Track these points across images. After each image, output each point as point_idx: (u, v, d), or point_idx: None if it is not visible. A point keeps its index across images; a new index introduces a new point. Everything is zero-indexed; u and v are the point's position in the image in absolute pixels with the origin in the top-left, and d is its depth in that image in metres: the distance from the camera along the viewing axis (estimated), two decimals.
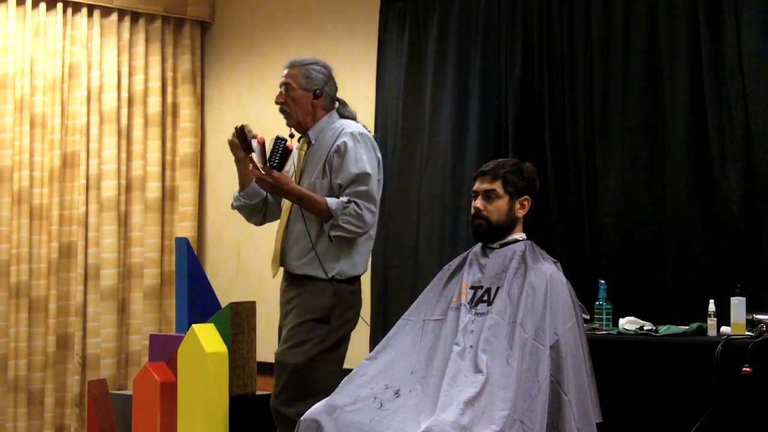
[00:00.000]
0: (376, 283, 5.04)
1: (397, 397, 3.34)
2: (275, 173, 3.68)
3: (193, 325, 3.74)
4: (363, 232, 3.72)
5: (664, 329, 3.80)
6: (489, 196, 3.53)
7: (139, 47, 6.08)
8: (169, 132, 6.17)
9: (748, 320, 3.64)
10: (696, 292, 3.99)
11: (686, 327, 3.83)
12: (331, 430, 3.27)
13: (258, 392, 4.08)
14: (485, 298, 3.42)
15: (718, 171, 4.01)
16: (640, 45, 4.27)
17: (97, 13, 5.96)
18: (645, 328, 3.88)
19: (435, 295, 3.57)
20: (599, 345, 3.62)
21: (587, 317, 3.59)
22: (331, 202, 3.67)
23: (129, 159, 6.03)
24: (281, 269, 3.88)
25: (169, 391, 3.78)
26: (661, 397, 3.66)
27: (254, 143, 3.76)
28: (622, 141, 4.29)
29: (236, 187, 6.03)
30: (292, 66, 3.89)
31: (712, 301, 3.77)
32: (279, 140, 3.73)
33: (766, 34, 3.93)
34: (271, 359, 5.62)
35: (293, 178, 3.82)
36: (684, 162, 4.11)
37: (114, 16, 6.00)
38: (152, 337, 4.19)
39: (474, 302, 3.43)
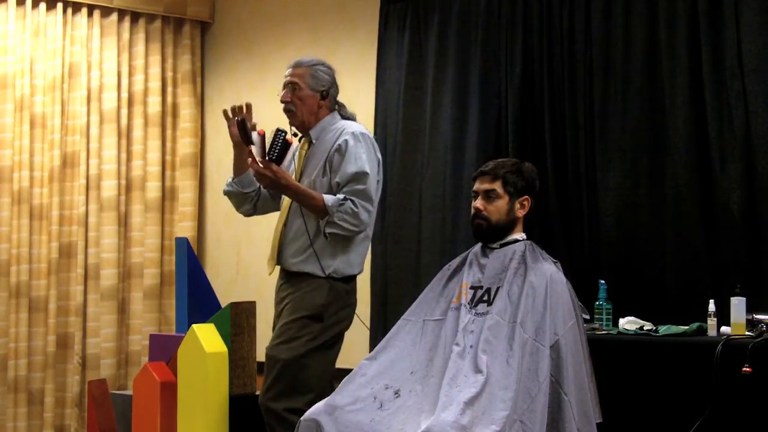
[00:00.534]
0: (377, 283, 5.03)
1: (397, 397, 3.34)
2: (273, 167, 3.68)
3: (193, 325, 3.74)
4: (358, 230, 3.72)
5: (664, 329, 3.80)
6: (489, 196, 3.53)
7: (139, 47, 6.08)
8: (169, 132, 6.17)
9: (748, 320, 3.64)
10: (696, 292, 3.99)
11: (686, 327, 3.83)
12: (331, 430, 3.27)
13: (258, 392, 4.07)
14: (485, 298, 3.42)
15: (718, 171, 4.01)
16: (640, 45, 4.27)
17: (97, 13, 5.96)
18: (645, 328, 3.88)
19: (435, 295, 3.57)
20: (599, 345, 3.62)
21: (587, 317, 3.59)
22: (328, 198, 3.67)
23: (129, 159, 6.03)
24: (277, 267, 3.87)
25: (169, 391, 3.78)
26: (661, 397, 3.66)
27: (254, 136, 3.76)
28: (622, 141, 4.29)
29: None
30: (297, 65, 3.90)
31: (712, 301, 3.77)
32: (279, 132, 3.73)
33: (766, 34, 3.93)
34: None
35: (293, 175, 3.82)
36: (684, 162, 4.11)
37: (114, 16, 6.00)
38: (152, 337, 4.19)
39: (474, 302, 3.43)
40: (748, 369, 3.37)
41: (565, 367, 3.25)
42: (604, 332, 3.96)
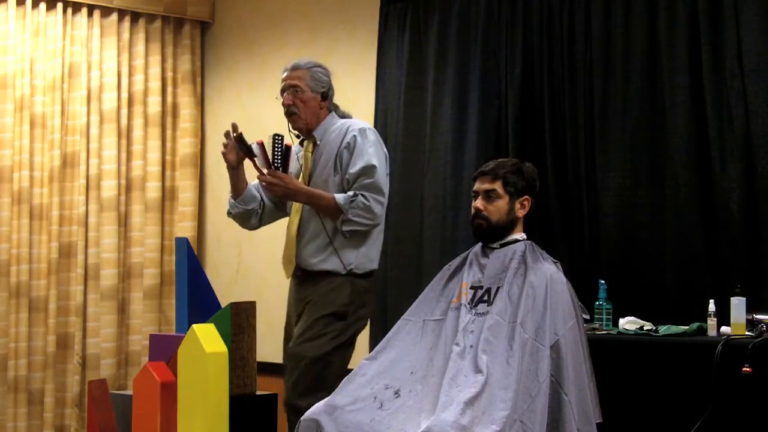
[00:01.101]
0: (377, 283, 5.02)
1: (397, 397, 3.34)
2: (280, 175, 3.73)
3: (193, 325, 3.74)
4: (374, 223, 3.79)
5: (664, 329, 3.80)
6: (489, 196, 3.53)
7: (139, 47, 6.08)
8: (169, 132, 6.17)
9: (748, 320, 3.64)
10: (696, 292, 3.99)
11: (686, 327, 3.83)
12: (331, 430, 3.27)
13: (258, 392, 4.07)
14: (485, 298, 3.42)
15: (718, 171, 4.01)
16: (640, 45, 4.27)
17: (97, 13, 5.96)
18: (645, 328, 3.88)
19: (435, 295, 3.57)
20: (599, 345, 3.62)
21: (587, 317, 3.59)
22: (339, 197, 3.73)
23: (129, 159, 6.03)
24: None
25: (169, 391, 3.78)
26: (661, 397, 3.66)
27: (254, 147, 3.78)
28: (622, 141, 4.30)
29: None
30: (295, 68, 3.93)
31: (712, 301, 3.77)
32: (277, 138, 3.76)
33: (766, 34, 3.93)
34: (271, 359, 5.65)
35: (300, 178, 3.84)
36: (684, 162, 4.11)
37: (114, 16, 6.00)
38: (152, 337, 4.19)
39: (474, 302, 3.43)
40: (748, 369, 3.37)
41: (565, 367, 3.25)
42: (604, 332, 3.96)
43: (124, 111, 6.00)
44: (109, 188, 5.91)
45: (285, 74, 3.94)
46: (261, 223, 4.09)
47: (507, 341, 3.28)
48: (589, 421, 3.27)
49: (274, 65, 5.92)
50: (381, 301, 5.01)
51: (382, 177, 3.78)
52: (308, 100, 3.88)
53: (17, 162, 5.72)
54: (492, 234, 3.53)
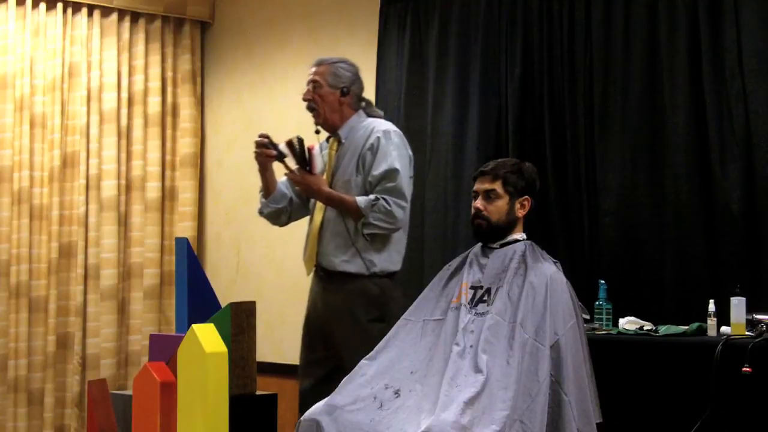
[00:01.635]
0: None
1: (397, 397, 3.34)
2: (305, 176, 3.78)
3: (193, 325, 3.74)
4: (395, 227, 3.80)
5: (664, 329, 3.80)
6: (489, 196, 3.53)
7: (139, 47, 6.08)
8: (169, 132, 6.17)
9: (748, 320, 3.64)
10: (696, 292, 3.99)
11: (686, 327, 3.83)
12: (331, 430, 3.26)
13: (258, 392, 4.07)
14: (485, 298, 3.42)
15: (718, 171, 4.01)
16: (640, 45, 4.28)
17: (97, 13, 5.96)
18: (645, 328, 3.88)
19: (435, 295, 3.56)
20: (599, 345, 3.61)
21: (587, 317, 3.59)
22: (360, 200, 3.75)
23: (129, 159, 6.03)
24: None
25: (169, 391, 3.77)
26: (661, 397, 3.66)
27: (282, 147, 3.83)
28: (622, 141, 4.30)
29: (236, 187, 6.08)
30: (319, 64, 3.95)
31: (712, 301, 3.77)
32: (299, 141, 3.82)
33: (766, 34, 3.93)
34: (271, 359, 5.65)
35: (324, 176, 3.87)
36: (684, 162, 4.11)
37: (114, 16, 6.00)
38: (152, 337, 4.18)
39: (474, 302, 3.43)
40: (748, 369, 3.37)
41: (565, 367, 3.25)
42: (604, 332, 3.96)
43: (124, 111, 6.00)
44: (109, 188, 5.91)
45: (311, 69, 3.96)
46: (290, 219, 4.11)
47: (507, 341, 3.28)
48: (589, 421, 3.27)
49: (274, 65, 5.92)
50: None
51: (405, 180, 3.80)
52: (326, 96, 3.89)
53: (17, 162, 5.72)
54: (492, 234, 3.53)
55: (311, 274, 3.99)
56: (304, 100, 3.92)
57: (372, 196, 3.75)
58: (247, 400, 3.91)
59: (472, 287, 3.48)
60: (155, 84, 6.11)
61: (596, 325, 4.00)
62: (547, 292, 3.34)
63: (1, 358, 5.65)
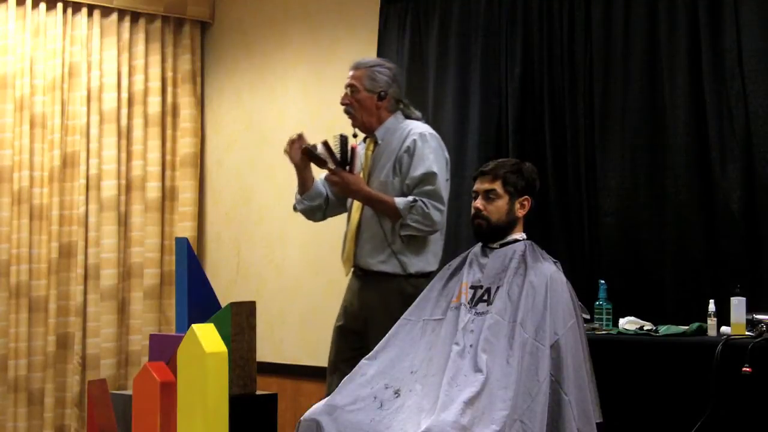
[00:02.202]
0: None
1: (397, 396, 3.34)
2: (343, 174, 3.78)
3: (193, 325, 3.74)
4: (432, 230, 3.81)
5: (664, 329, 3.80)
6: (489, 196, 3.53)
7: (139, 47, 6.08)
8: (169, 132, 6.17)
9: (748, 320, 3.64)
10: (696, 292, 3.99)
11: (686, 327, 3.83)
12: (331, 430, 3.27)
13: (258, 392, 4.07)
14: (485, 297, 3.42)
15: (718, 171, 4.01)
16: (640, 45, 4.28)
17: (97, 13, 5.96)
18: (645, 328, 3.88)
19: (435, 294, 3.57)
20: (599, 345, 3.62)
21: (587, 317, 3.59)
22: (399, 201, 3.76)
23: (129, 159, 6.02)
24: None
25: (169, 391, 3.77)
26: (661, 397, 3.66)
27: (319, 147, 3.83)
28: (622, 141, 4.30)
29: (236, 187, 6.08)
30: (357, 67, 3.95)
31: (712, 301, 3.77)
32: (342, 138, 3.83)
33: (766, 34, 3.93)
34: (271, 359, 5.65)
35: (361, 176, 3.88)
36: (684, 162, 4.11)
37: (114, 16, 6.00)
38: (152, 337, 4.18)
39: (474, 302, 3.43)
40: (748, 369, 3.37)
41: (565, 366, 3.25)
42: (604, 332, 3.96)
43: (124, 111, 6.00)
44: (109, 188, 5.91)
45: (349, 72, 3.96)
46: (326, 216, 4.12)
47: (507, 341, 3.28)
48: (589, 421, 3.27)
49: (274, 65, 5.92)
50: None
51: (442, 184, 3.82)
52: (363, 100, 3.90)
53: (17, 162, 5.72)
54: (492, 234, 3.53)
55: (349, 274, 4.01)
56: (342, 104, 3.94)
57: (410, 198, 3.77)
58: (247, 400, 3.91)
59: (472, 287, 3.48)
60: (155, 84, 6.11)
61: (596, 325, 4.00)
62: (547, 292, 3.34)
63: (1, 358, 5.65)
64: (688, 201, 4.09)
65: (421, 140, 3.83)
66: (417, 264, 3.83)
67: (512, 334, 3.28)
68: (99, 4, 5.92)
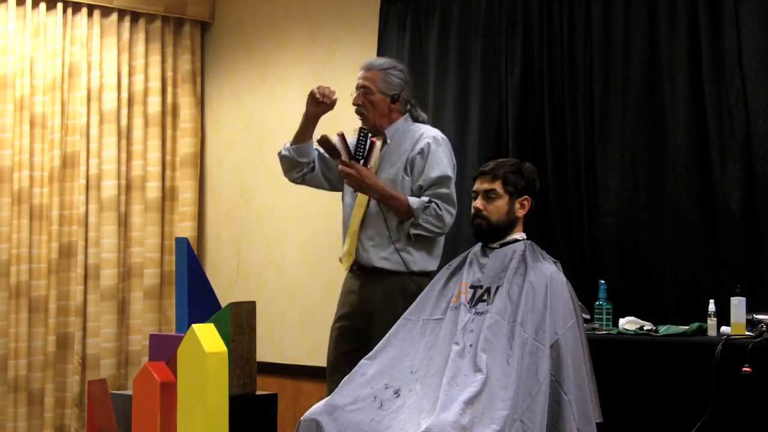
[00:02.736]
0: None
1: (397, 396, 3.34)
2: (358, 167, 3.80)
3: (193, 325, 3.74)
4: (441, 232, 3.86)
5: (664, 329, 3.80)
6: (489, 196, 3.53)
7: (139, 47, 6.07)
8: (169, 132, 6.17)
9: (748, 320, 3.64)
10: (696, 292, 3.99)
11: (686, 327, 3.83)
12: (331, 430, 3.27)
13: (258, 392, 4.07)
14: (485, 297, 3.42)
15: (718, 171, 4.01)
16: (640, 45, 4.28)
17: (97, 13, 5.95)
18: (645, 328, 3.88)
19: (435, 294, 3.57)
20: (599, 345, 3.62)
21: (587, 317, 3.59)
22: (413, 201, 3.80)
23: (129, 159, 6.02)
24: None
25: (169, 391, 3.77)
26: (661, 397, 3.66)
27: (335, 139, 3.84)
28: (622, 141, 4.30)
29: (236, 187, 6.08)
30: (369, 68, 3.98)
31: (712, 301, 3.77)
32: (363, 132, 3.84)
33: (766, 34, 3.93)
34: (271, 359, 5.65)
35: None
36: (684, 162, 4.11)
37: (114, 16, 5.99)
38: (152, 337, 4.18)
39: (474, 302, 3.43)
40: (748, 369, 3.37)
41: (565, 366, 3.25)
42: (604, 332, 3.96)
43: (124, 111, 6.00)
44: (109, 188, 5.91)
45: (360, 73, 3.98)
46: (303, 181, 4.11)
47: (507, 340, 3.28)
48: (589, 421, 3.27)
49: (274, 65, 5.92)
50: None
51: (454, 188, 3.88)
52: (377, 102, 3.93)
53: (17, 162, 5.72)
54: (492, 234, 3.54)
55: (346, 273, 4.01)
56: (354, 104, 3.96)
57: (425, 199, 3.81)
58: (247, 400, 3.91)
59: (471, 287, 3.48)
60: (155, 84, 6.10)
61: (596, 325, 4.00)
62: (547, 292, 3.34)
63: (1, 358, 5.65)
64: (688, 201, 4.09)
65: (435, 144, 3.89)
66: (419, 262, 3.85)
67: (512, 334, 3.28)
68: (99, 4, 5.92)
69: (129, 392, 4.22)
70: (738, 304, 3.65)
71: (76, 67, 5.88)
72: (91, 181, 5.87)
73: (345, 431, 3.26)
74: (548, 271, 3.41)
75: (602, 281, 4.10)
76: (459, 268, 3.59)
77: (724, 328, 3.71)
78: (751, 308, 3.66)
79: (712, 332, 3.74)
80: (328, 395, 3.75)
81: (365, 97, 3.93)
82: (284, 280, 5.76)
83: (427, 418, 3.19)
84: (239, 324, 3.96)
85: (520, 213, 3.55)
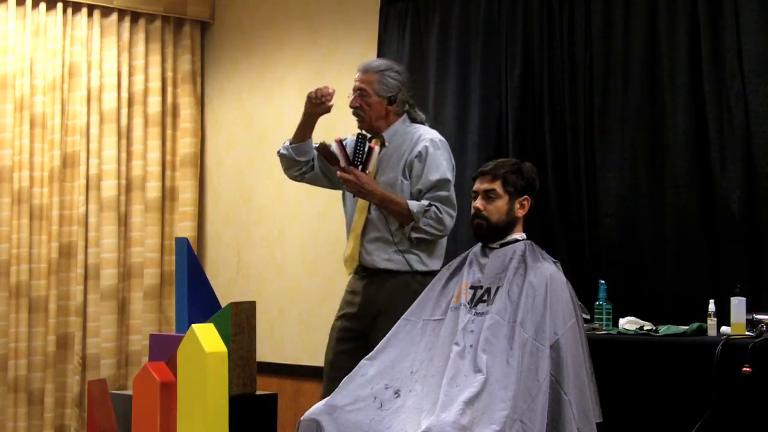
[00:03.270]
0: None
1: (397, 397, 3.34)
2: (357, 173, 3.79)
3: (193, 325, 3.74)
4: (442, 235, 3.87)
5: (664, 329, 3.80)
6: (489, 196, 3.53)
7: (139, 47, 6.08)
8: (169, 132, 6.17)
9: (748, 320, 3.64)
10: (696, 292, 3.99)
11: (686, 327, 3.83)
12: (332, 430, 3.27)
13: (258, 392, 4.07)
14: (485, 298, 3.42)
15: (718, 171, 4.01)
16: (640, 45, 4.27)
17: (97, 13, 5.96)
18: (645, 328, 3.88)
19: (435, 295, 3.57)
20: (599, 345, 3.62)
21: (587, 317, 3.59)
22: (413, 205, 3.80)
23: (129, 159, 6.02)
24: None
25: (169, 391, 3.77)
26: (661, 397, 3.66)
27: (333, 145, 3.84)
28: (622, 141, 4.30)
29: (236, 187, 6.08)
30: (366, 71, 3.97)
31: (712, 301, 3.77)
32: (361, 138, 3.84)
33: (766, 34, 3.93)
34: (271, 359, 5.66)
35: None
36: (684, 162, 4.11)
37: (114, 16, 6.00)
38: (152, 337, 4.19)
39: (474, 302, 3.43)
40: (748, 369, 3.37)
41: (565, 366, 3.25)
42: (604, 332, 3.96)
43: (124, 111, 6.00)
44: (109, 188, 5.91)
45: (356, 75, 3.98)
46: (302, 179, 4.12)
47: (507, 341, 3.28)
48: (589, 421, 3.27)
49: (274, 65, 5.92)
50: None
51: (453, 190, 3.88)
52: (374, 105, 3.93)
53: (17, 162, 5.72)
54: (492, 234, 3.53)
55: (350, 275, 4.02)
56: (351, 107, 3.95)
57: (425, 202, 3.81)
58: (247, 400, 3.92)
59: (471, 287, 3.48)
60: (155, 84, 6.11)
61: (596, 325, 4.00)
62: (546, 292, 3.34)
63: (1, 358, 5.65)
64: (688, 201, 4.09)
65: (433, 147, 3.88)
66: (422, 263, 3.86)
67: (512, 334, 3.28)
68: (99, 4, 5.93)
69: (129, 392, 4.22)
70: (738, 304, 3.65)
71: (76, 67, 5.89)
72: (91, 181, 5.87)
73: (345, 431, 3.26)
74: (548, 271, 3.41)
75: (602, 281, 4.10)
76: (459, 268, 3.59)
77: (724, 328, 3.71)
78: (751, 308, 3.66)
79: (712, 332, 3.74)
80: (325, 393, 3.77)
81: (362, 99, 3.92)
82: (284, 280, 5.76)
83: (427, 418, 3.19)
84: (239, 324, 3.97)
85: (520, 213, 3.55)
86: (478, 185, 3.57)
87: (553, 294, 3.35)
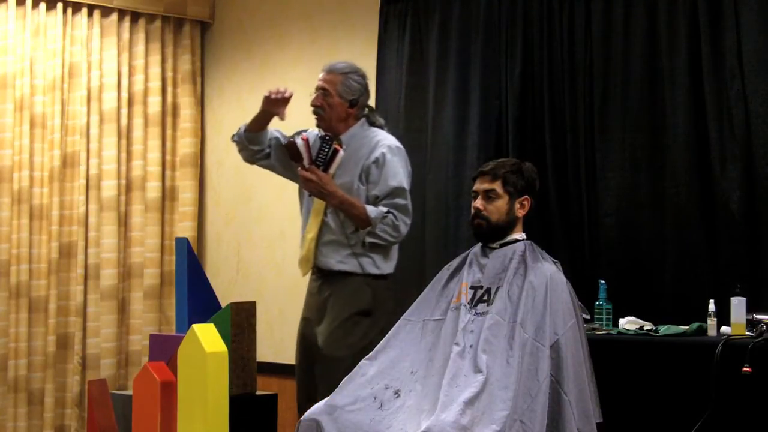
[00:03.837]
0: None
1: (397, 397, 3.34)
2: (319, 173, 3.82)
3: (193, 325, 3.74)
4: (395, 241, 3.91)
5: (664, 329, 3.80)
6: (489, 196, 3.53)
7: (139, 47, 6.08)
8: (169, 132, 6.17)
9: (748, 320, 3.64)
10: (696, 292, 3.99)
11: (686, 327, 3.83)
12: (331, 430, 3.27)
13: (258, 392, 4.07)
14: (485, 298, 3.42)
15: (718, 171, 4.01)
16: (640, 45, 4.28)
17: (97, 13, 5.96)
18: (645, 328, 3.88)
19: (435, 295, 3.57)
20: (599, 345, 3.62)
21: (587, 317, 3.59)
22: (371, 210, 3.82)
23: (129, 159, 6.02)
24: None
25: (169, 391, 3.77)
26: (661, 397, 3.66)
27: (298, 141, 3.88)
28: (622, 141, 4.30)
29: (236, 187, 6.08)
30: (330, 71, 4.00)
31: (712, 301, 3.77)
32: (327, 139, 3.86)
33: (766, 34, 3.93)
34: (271, 359, 5.65)
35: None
36: (684, 162, 4.11)
37: (114, 16, 6.00)
38: (152, 337, 4.19)
39: (474, 302, 3.43)
40: (748, 369, 3.37)
41: (565, 366, 3.25)
42: (604, 332, 3.96)
43: (124, 111, 6.00)
44: (109, 188, 5.91)
45: (320, 74, 4.00)
46: (254, 162, 4.18)
47: (507, 341, 3.28)
48: (589, 421, 3.27)
49: (274, 65, 5.92)
50: None
51: (409, 199, 3.90)
52: (335, 105, 3.95)
53: (17, 162, 5.72)
54: (492, 234, 3.53)
55: (309, 278, 4.04)
56: (312, 105, 3.98)
57: (383, 209, 3.83)
58: (247, 400, 3.92)
59: (472, 287, 3.48)
60: (155, 84, 6.11)
61: (596, 325, 4.00)
62: (546, 292, 3.34)
63: (1, 358, 5.65)
64: (688, 201, 4.09)
65: (391, 153, 3.90)
66: (376, 266, 3.90)
67: (512, 335, 3.28)
68: (99, 4, 5.93)
69: (129, 392, 4.22)
70: (738, 304, 3.65)
71: (76, 67, 5.89)
72: (91, 181, 5.87)
73: (345, 431, 3.26)
74: (548, 271, 3.41)
75: (602, 281, 4.10)
76: (459, 268, 3.59)
77: (724, 328, 3.71)
78: (751, 308, 3.66)
79: (712, 332, 3.74)
80: (298, 394, 3.82)
81: (324, 99, 3.95)
82: (284, 280, 5.76)
83: (427, 418, 3.19)
84: (239, 324, 3.97)
85: (520, 213, 3.55)
86: (478, 185, 3.56)
87: (553, 294, 3.35)
